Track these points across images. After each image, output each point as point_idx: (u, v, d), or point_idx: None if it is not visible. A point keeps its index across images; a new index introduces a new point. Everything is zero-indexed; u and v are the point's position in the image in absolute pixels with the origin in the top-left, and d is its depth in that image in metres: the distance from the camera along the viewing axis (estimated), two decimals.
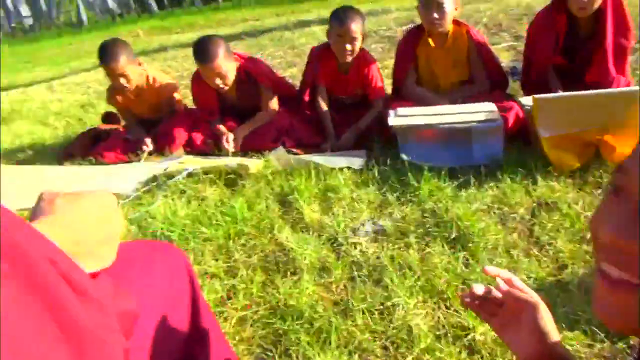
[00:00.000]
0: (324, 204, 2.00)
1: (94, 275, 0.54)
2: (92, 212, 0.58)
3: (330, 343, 1.32)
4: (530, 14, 4.10)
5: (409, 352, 1.28)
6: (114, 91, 2.71)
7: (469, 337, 1.30)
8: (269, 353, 1.32)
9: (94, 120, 3.35)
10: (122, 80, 2.57)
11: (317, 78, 2.62)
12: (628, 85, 2.36)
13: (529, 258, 1.58)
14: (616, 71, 2.33)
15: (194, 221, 1.89)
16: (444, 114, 2.26)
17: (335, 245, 1.74)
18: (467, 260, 1.59)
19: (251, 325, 1.40)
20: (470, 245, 1.64)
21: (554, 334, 0.67)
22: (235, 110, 2.71)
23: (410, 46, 2.53)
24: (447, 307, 1.43)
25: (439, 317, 1.39)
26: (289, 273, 1.61)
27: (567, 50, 2.43)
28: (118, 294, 0.55)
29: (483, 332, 1.30)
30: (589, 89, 2.08)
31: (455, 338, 1.31)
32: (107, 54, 2.52)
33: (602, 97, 2.02)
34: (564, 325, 1.29)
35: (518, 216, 1.78)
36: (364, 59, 2.60)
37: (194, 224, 1.87)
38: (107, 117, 3.02)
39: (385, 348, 1.31)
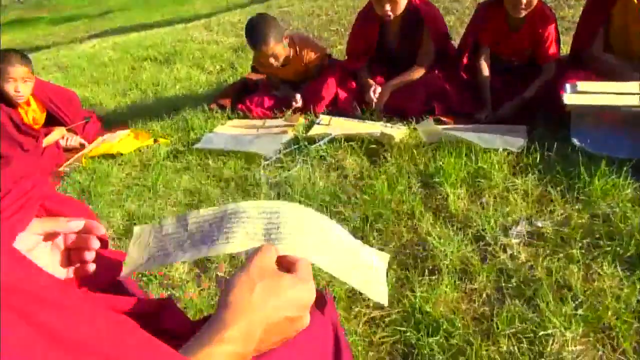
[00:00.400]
0: (472, 191, 1.80)
1: None
2: (286, 311, 0.51)
3: None
4: None
5: None
6: (261, 62, 2.68)
7: None
8: None
9: (245, 67, 3.45)
10: (271, 60, 2.52)
11: (481, 37, 2.31)
12: None
13: None
14: None
15: (332, 197, 1.84)
16: (636, 93, 1.85)
17: (481, 244, 1.57)
18: None
19: (383, 329, 1.33)
20: None
21: None
22: (390, 58, 2.55)
23: (604, 2, 2.07)
24: (613, 349, 1.21)
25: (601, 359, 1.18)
26: (426, 271, 1.49)
27: None
28: None
29: None
30: None
31: None
32: (255, 37, 2.44)
33: None
34: None
35: None
36: (542, 14, 2.21)
37: (332, 201, 1.82)
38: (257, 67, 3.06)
39: None
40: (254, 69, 3.07)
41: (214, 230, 0.60)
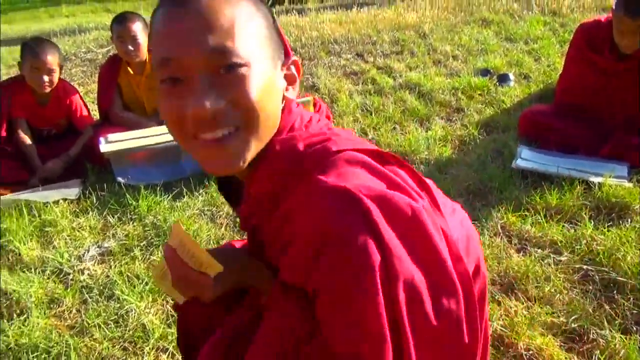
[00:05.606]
0: (42, 240, 2.01)
1: None
2: None
3: None
4: None
5: (145, 344, 1.50)
6: None
7: None
8: None
9: None
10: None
11: (12, 111, 2.51)
12: None
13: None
14: None
15: None
16: (153, 135, 2.50)
17: (62, 276, 1.81)
18: None
19: None
20: None
21: None
22: None
23: (111, 73, 2.67)
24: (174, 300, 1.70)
25: (168, 310, 1.65)
26: (15, 315, 1.61)
27: None
28: None
29: None
30: None
31: None
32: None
33: None
34: None
35: (224, 213, 2.17)
36: (64, 89, 2.61)
37: None
38: None
39: (124, 349, 1.50)
40: None
41: None
